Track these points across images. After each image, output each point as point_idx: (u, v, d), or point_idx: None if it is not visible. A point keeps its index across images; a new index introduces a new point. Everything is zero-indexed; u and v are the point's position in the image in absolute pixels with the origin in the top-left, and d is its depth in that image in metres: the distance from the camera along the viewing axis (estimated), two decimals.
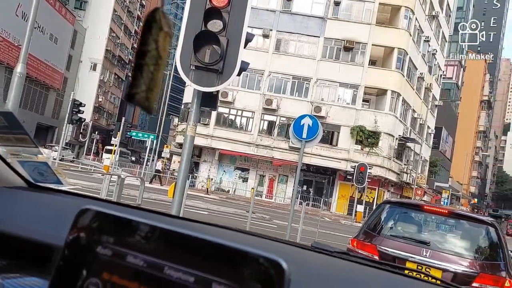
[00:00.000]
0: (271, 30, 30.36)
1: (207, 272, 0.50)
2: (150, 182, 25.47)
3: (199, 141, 29.25)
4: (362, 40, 29.35)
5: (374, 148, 28.66)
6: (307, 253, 1.15)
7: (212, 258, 0.51)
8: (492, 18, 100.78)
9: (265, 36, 30.43)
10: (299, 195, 27.70)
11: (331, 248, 1.22)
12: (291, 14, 30.40)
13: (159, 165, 28.83)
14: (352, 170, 24.28)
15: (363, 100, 29.90)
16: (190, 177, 30.32)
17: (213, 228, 1.17)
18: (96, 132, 42.04)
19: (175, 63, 4.61)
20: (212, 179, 29.89)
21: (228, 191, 30.60)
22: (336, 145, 29.19)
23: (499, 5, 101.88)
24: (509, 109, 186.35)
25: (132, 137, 43.03)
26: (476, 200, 78.92)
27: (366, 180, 23.58)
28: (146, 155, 35.09)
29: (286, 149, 28.96)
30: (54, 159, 21.54)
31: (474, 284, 3.99)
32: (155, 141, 36.27)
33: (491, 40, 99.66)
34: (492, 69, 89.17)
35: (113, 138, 29.48)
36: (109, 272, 0.54)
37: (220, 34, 4.22)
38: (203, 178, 30.45)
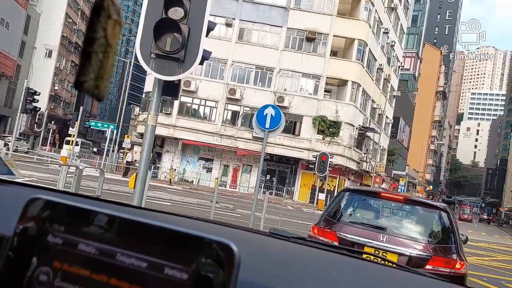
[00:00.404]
0: (234, 19, 30.14)
1: (159, 257, 0.51)
2: (124, 176, 25.15)
3: (161, 131, 28.76)
4: (324, 31, 29.72)
5: (335, 137, 29.28)
6: (266, 239, 1.18)
7: (164, 244, 0.52)
8: (448, 11, 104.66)
9: (228, 25, 30.18)
10: (263, 185, 27.94)
11: (288, 234, 1.24)
12: (254, 3, 30.28)
13: (129, 157, 28.17)
14: (314, 159, 24.75)
15: (325, 91, 30.39)
16: (152, 168, 29.85)
17: (168, 216, 1.17)
18: (53, 122, 40.42)
19: (135, 51, 4.50)
20: (175, 169, 29.55)
21: (192, 181, 30.39)
22: (299, 135, 29.58)
23: None
24: (462, 99, 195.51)
25: (91, 127, 41.71)
26: (431, 187, 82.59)
27: (328, 169, 24.11)
28: (106, 145, 34.16)
29: (250, 139, 29.04)
30: (7, 150, 20.55)
31: (427, 267, 4.13)
32: (115, 131, 35.33)
33: (446, 33, 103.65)
34: (447, 61, 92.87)
35: (70, 128, 28.44)
36: (60, 260, 0.54)
37: (181, 22, 4.15)
38: (166, 168, 30.05)
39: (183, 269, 0.50)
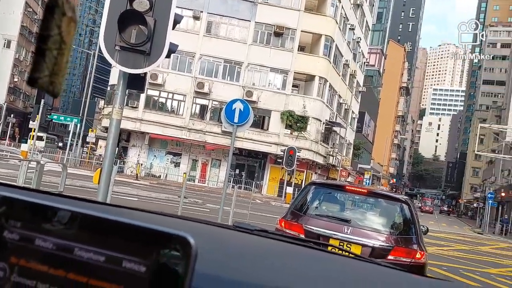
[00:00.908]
0: (202, 12, 29.82)
1: (117, 251, 0.52)
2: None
3: (127, 125, 28.18)
4: (292, 26, 29.91)
5: (302, 132, 29.62)
6: (229, 232, 1.19)
7: (121, 238, 0.52)
8: (411, 9, 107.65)
9: (196, 18, 29.83)
10: (232, 179, 27.93)
11: (251, 226, 1.26)
12: None
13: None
14: (282, 153, 24.92)
15: (293, 86, 30.65)
16: (118, 163, 29.20)
17: (131, 211, 1.17)
18: (12, 115, 38.73)
19: (99, 43, 4.38)
20: (142, 164, 29.06)
21: (160, 176, 29.98)
22: (267, 129, 29.73)
23: None
24: (424, 95, 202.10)
25: (53, 121, 40.30)
26: (394, 180, 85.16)
27: (295, 163, 24.36)
28: (69, 139, 33.12)
29: (218, 133, 28.92)
30: None
31: (389, 257, 4.27)
32: (79, 125, 34.30)
33: (409, 30, 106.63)
34: (410, 57, 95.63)
35: (31, 122, 27.36)
36: (16, 256, 0.54)
37: (147, 14, 4.07)
38: (132, 163, 29.48)
39: (141, 262, 0.50)
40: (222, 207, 9.19)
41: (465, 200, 76.06)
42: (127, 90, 4.62)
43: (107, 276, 0.51)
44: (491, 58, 76.79)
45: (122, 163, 28.88)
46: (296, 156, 24.28)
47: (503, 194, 38.20)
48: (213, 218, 10.55)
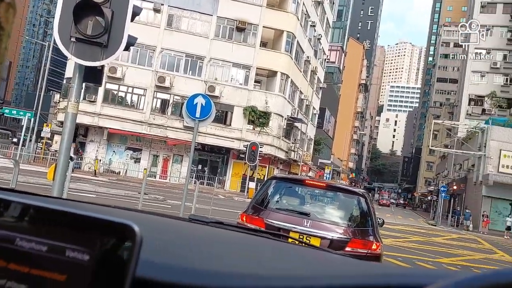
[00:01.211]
0: (163, 4, 29.25)
1: (60, 241, 0.52)
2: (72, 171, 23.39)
3: (84, 120, 27.28)
4: (254, 22, 29.94)
5: (265, 127, 29.81)
6: (184, 223, 1.19)
7: (65, 227, 0.52)
8: (370, 7, 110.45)
9: (156, 10, 29.23)
10: (194, 175, 27.70)
11: (207, 219, 1.27)
12: None
13: (72, 151, 26.28)
14: (245, 149, 25.00)
15: (255, 81, 30.74)
16: (74, 158, 28.21)
17: (82, 204, 1.15)
18: None
19: (54, 34, 4.21)
20: (100, 160, 28.24)
21: (119, 172, 29.26)
22: (230, 124, 29.68)
23: None
24: (382, 92, 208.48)
25: (5, 115, 38.31)
26: (354, 174, 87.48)
27: (258, 158, 24.52)
28: (22, 134, 31.62)
29: (180, 129, 28.57)
30: None
31: (347, 249, 4.41)
32: (32, 119, 32.80)
33: (368, 28, 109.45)
34: (369, 55, 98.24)
35: None
36: None
37: (104, 5, 3.95)
38: (90, 159, 28.59)
39: (84, 251, 0.51)
40: (184, 203, 9.12)
41: (420, 193, 79.24)
42: (83, 84, 4.48)
43: (49, 266, 0.51)
44: (444, 56, 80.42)
45: (79, 159, 27.93)
46: (259, 152, 24.44)
47: (455, 187, 40.15)
48: (175, 214, 10.45)
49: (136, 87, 29.25)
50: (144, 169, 25.10)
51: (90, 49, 4.04)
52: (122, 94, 29.58)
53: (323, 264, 0.99)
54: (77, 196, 12.66)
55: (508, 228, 29.26)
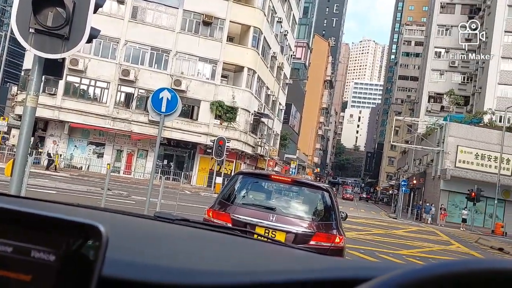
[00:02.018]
0: None
1: (26, 242, 0.52)
2: (47, 169, 23.16)
3: (44, 113, 26.28)
4: (221, 16, 29.73)
5: (232, 122, 29.77)
6: (148, 221, 1.19)
7: (30, 228, 0.52)
8: (335, 5, 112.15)
9: (120, 2, 28.46)
10: (160, 170, 27.30)
11: (172, 216, 1.27)
12: None
13: (52, 148, 25.27)
14: (212, 144, 24.90)
15: (222, 76, 30.59)
16: (34, 153, 27.13)
17: (47, 204, 1.12)
18: None
19: (11, 24, 4.04)
20: (61, 155, 27.30)
21: (81, 167, 28.42)
22: (197, 119, 29.44)
23: None
24: (346, 88, 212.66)
25: None
26: (318, 169, 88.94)
27: (225, 153, 24.48)
28: None
29: (145, 123, 28.06)
30: None
31: (311, 242, 4.51)
32: None
33: (333, 26, 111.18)
34: (334, 52, 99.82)
35: None
36: None
37: None
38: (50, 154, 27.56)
39: (50, 252, 0.51)
40: (149, 199, 9.00)
41: (382, 187, 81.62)
42: (43, 76, 4.33)
43: (14, 267, 0.51)
44: (406, 55, 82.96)
45: (38, 154, 26.90)
46: (226, 146, 24.41)
47: (414, 182, 41.65)
48: (139, 210, 10.29)
49: (99, 80, 28.44)
50: (108, 164, 24.44)
51: (50, 41, 3.90)
52: (84, 87, 28.69)
53: (278, 259, 1.02)
54: (36, 192, 12.21)
55: (464, 220, 30.72)
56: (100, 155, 29.39)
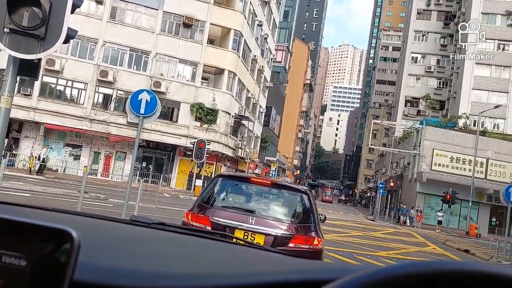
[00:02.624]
0: None
1: None
2: (38, 173, 22.88)
3: (18, 114, 25.63)
4: (201, 18, 29.65)
5: (212, 125, 29.67)
6: (124, 226, 1.18)
7: (1, 234, 0.52)
8: (315, 9, 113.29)
9: (99, 2, 28.04)
10: (138, 172, 26.97)
11: (149, 220, 1.26)
12: None
13: (44, 153, 24.52)
14: (192, 146, 24.74)
15: (202, 78, 30.47)
16: (7, 155, 26.39)
17: (20, 208, 1.10)
18: None
19: None
20: (35, 157, 26.63)
21: (57, 170, 27.79)
22: (176, 121, 29.22)
23: None
24: (326, 92, 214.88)
25: None
26: (298, 171, 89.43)
27: (205, 155, 24.37)
28: None
29: (124, 125, 27.69)
30: None
31: (290, 245, 4.53)
32: None
33: (313, 30, 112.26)
34: (314, 56, 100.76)
35: None
36: None
37: None
38: (24, 156, 26.89)
39: (21, 257, 0.51)
40: (127, 202, 8.88)
41: (360, 190, 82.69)
42: (18, 77, 4.23)
43: None
44: (384, 59, 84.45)
45: (12, 156, 26.19)
46: (206, 149, 24.30)
47: (391, 184, 42.39)
48: (116, 214, 10.13)
49: (76, 81, 27.92)
50: (85, 166, 23.97)
51: (25, 41, 3.83)
52: (61, 88, 28.12)
53: (250, 262, 1.03)
54: (10, 196, 11.89)
55: (440, 222, 31.41)
56: (77, 157, 28.82)
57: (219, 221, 4.65)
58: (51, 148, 28.43)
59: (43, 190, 15.40)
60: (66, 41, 4.16)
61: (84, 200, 10.57)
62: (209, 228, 4.62)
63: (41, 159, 24.65)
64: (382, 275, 0.52)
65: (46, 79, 26.97)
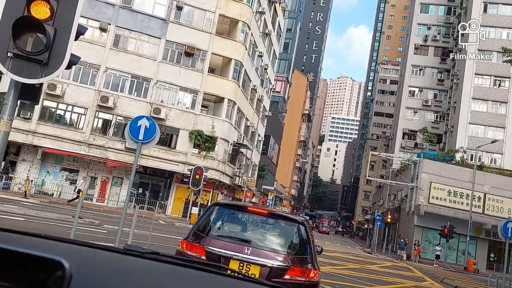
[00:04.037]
0: (110, 24, 28.71)
1: None
2: (69, 203, 22.67)
3: (17, 137, 25.66)
4: (203, 48, 30.20)
5: (210, 152, 29.69)
6: (117, 255, 1.16)
7: None
8: (315, 42, 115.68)
9: (103, 29, 28.61)
10: (134, 198, 26.76)
11: (142, 249, 1.24)
12: (132, 11, 29.33)
13: (81, 184, 24.34)
14: (189, 173, 24.67)
15: (202, 106, 30.72)
16: (3, 178, 26.22)
17: (10, 234, 1.08)
18: None
19: None
20: (32, 180, 26.48)
21: (52, 194, 27.56)
22: (175, 148, 29.24)
23: (320, 31, 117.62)
24: (324, 122, 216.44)
25: None
26: (295, 201, 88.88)
27: (202, 183, 24.26)
28: None
29: (122, 150, 27.68)
30: None
31: (286, 276, 4.43)
32: None
33: (312, 61, 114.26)
34: (313, 87, 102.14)
35: None
36: None
37: (47, 22, 3.84)
38: (20, 179, 26.72)
39: (12, 286, 0.50)
40: (121, 228, 8.76)
41: (357, 221, 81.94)
42: (18, 101, 4.26)
43: None
44: (381, 92, 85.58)
45: (8, 179, 26.03)
46: (203, 176, 24.21)
47: (389, 217, 42.00)
48: (110, 241, 9.98)
49: (77, 106, 28.09)
50: (80, 191, 23.79)
51: (28, 65, 3.88)
52: (61, 112, 28.26)
53: None
54: (4, 220, 11.74)
55: (438, 257, 30.96)
56: (73, 182, 28.62)
57: (214, 250, 4.56)
58: (48, 171, 28.31)
59: (37, 215, 15.20)
60: (68, 67, 4.22)
61: (78, 225, 10.42)
62: (203, 257, 4.54)
63: (76, 189, 24.34)
64: None
65: (47, 103, 27.14)
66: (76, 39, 4.22)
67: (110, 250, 1.17)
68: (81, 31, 4.32)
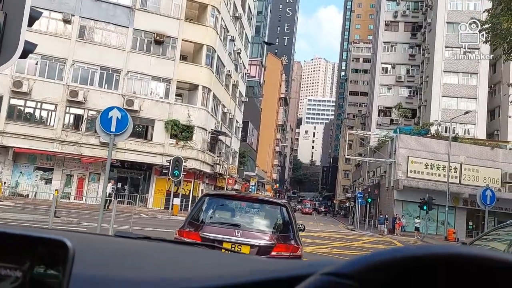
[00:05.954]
0: (73, 15, 27.64)
1: None
2: (106, 209, 21.18)
3: None
4: (172, 35, 29.48)
5: (188, 141, 29.28)
6: (110, 238, 1.16)
7: None
8: (286, 24, 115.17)
9: (66, 21, 27.53)
10: (113, 194, 26.22)
11: (133, 234, 1.26)
12: (96, 0, 28.27)
13: (109, 188, 23.18)
14: (168, 164, 24.29)
15: (176, 95, 30.16)
16: None
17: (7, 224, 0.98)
18: None
19: None
20: (5, 182, 25.58)
21: (27, 195, 26.72)
22: (151, 139, 28.71)
23: (290, 13, 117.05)
24: (301, 105, 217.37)
25: None
26: (277, 185, 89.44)
27: (182, 173, 23.94)
28: None
29: (97, 145, 26.98)
30: None
31: (273, 253, 5.00)
32: None
33: (285, 44, 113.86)
34: (287, 69, 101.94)
35: None
36: None
37: None
38: None
39: (16, 268, 0.51)
40: (100, 225, 8.48)
41: (339, 200, 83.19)
42: None
43: None
44: (355, 71, 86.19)
45: None
46: (183, 166, 23.87)
47: (369, 193, 42.71)
48: None
49: (46, 102, 27.13)
50: (56, 190, 23.10)
51: None
52: (30, 110, 27.26)
53: (231, 266, 1.05)
54: None
55: (417, 229, 31.71)
56: (48, 181, 27.82)
57: (208, 235, 5.05)
58: (21, 172, 27.40)
59: (12, 217, 14.65)
60: (24, 55, 3.88)
61: (55, 225, 10.06)
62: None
63: (107, 194, 23.42)
64: (360, 263, 0.55)
65: (14, 101, 26.14)
66: (30, 25, 3.87)
67: (104, 235, 1.25)
68: (35, 15, 3.97)
